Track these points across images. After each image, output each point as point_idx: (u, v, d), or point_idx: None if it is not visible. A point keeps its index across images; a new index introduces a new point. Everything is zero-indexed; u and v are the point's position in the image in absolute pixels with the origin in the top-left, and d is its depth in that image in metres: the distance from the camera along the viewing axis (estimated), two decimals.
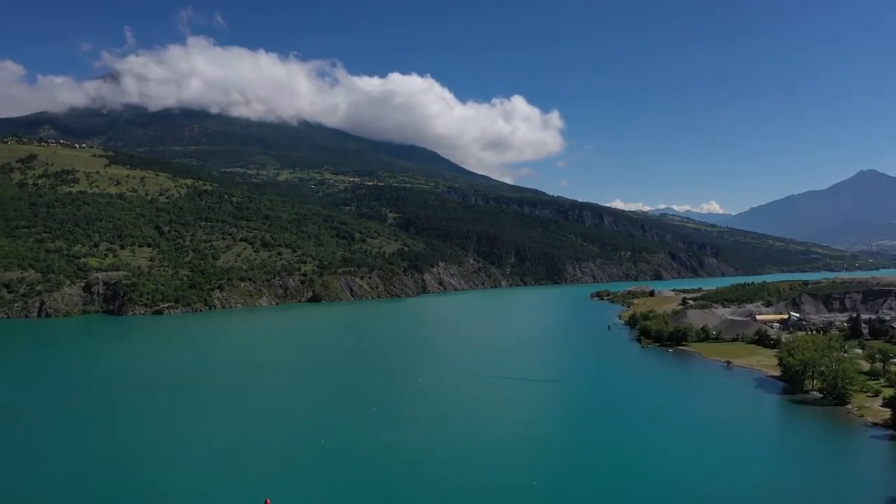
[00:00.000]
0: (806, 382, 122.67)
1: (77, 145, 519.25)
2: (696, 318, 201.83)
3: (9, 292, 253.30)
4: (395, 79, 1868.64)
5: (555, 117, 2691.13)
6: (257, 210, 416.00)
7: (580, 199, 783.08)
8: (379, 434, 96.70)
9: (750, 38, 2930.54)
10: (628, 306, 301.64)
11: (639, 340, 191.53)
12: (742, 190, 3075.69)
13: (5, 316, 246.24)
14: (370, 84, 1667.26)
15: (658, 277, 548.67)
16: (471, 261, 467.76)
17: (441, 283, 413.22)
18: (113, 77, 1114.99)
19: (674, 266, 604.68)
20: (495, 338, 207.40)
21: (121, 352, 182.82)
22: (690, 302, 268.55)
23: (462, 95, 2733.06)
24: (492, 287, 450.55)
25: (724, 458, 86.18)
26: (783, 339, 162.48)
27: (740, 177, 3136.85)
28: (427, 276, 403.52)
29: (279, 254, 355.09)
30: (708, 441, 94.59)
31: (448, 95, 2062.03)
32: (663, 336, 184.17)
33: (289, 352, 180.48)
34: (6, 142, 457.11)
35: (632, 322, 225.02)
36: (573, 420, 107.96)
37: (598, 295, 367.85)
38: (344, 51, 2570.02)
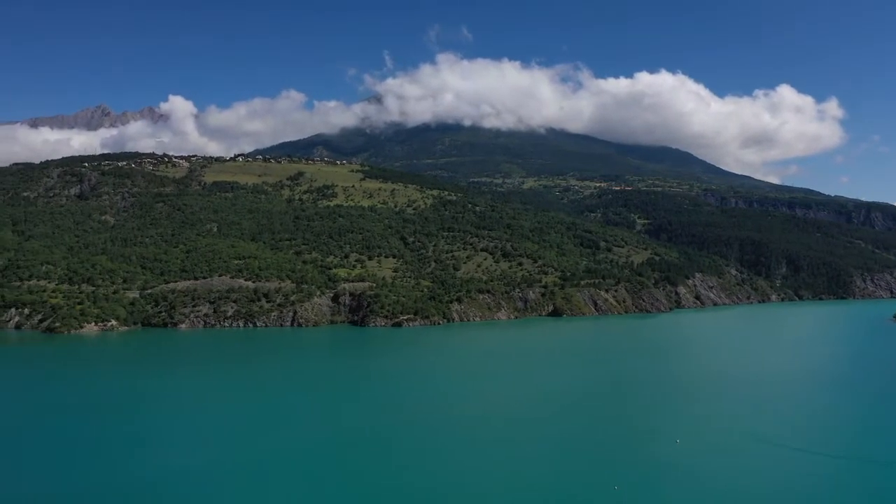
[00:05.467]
0: None
1: (338, 161, 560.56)
2: None
3: (267, 302, 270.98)
4: (643, 78, 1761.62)
5: (832, 106, 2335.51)
6: (499, 219, 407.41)
7: (864, 199, 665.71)
8: None
9: None
10: None
11: None
12: None
13: (263, 324, 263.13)
14: (616, 86, 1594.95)
15: None
16: (733, 271, 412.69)
17: (698, 298, 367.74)
18: (377, 99, 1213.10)
19: None
20: (770, 375, 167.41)
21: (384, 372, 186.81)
22: None
23: (719, 90, 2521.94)
24: (759, 302, 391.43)
25: None
26: None
27: None
28: (681, 289, 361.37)
29: (520, 264, 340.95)
30: None
31: (703, 91, 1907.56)
32: None
33: (520, 385, 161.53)
34: (280, 161, 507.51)
35: None
36: None
37: None
38: (587, 53, 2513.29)
